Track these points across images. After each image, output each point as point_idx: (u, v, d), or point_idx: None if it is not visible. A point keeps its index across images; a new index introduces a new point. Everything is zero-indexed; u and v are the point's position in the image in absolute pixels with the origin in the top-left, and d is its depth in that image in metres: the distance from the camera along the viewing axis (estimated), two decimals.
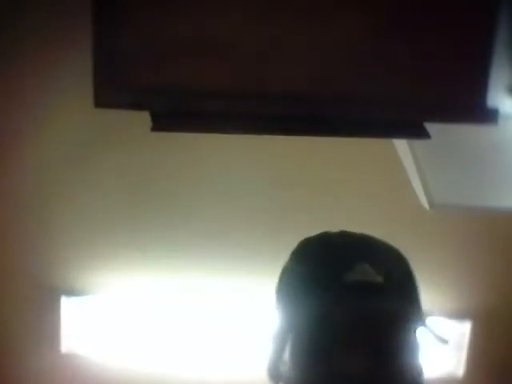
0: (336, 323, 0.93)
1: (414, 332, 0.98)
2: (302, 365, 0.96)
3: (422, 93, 1.06)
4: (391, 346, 0.94)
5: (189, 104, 1.04)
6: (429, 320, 1.00)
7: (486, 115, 1.07)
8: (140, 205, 2.08)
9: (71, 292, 2.13)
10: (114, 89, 1.01)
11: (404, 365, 0.95)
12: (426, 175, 1.33)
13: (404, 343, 0.96)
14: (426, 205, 1.37)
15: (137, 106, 1.04)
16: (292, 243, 2.06)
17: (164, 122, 1.04)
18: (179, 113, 1.04)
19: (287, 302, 1.00)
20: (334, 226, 2.11)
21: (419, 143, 1.27)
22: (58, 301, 2.12)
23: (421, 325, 0.99)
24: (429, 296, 2.24)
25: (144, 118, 1.05)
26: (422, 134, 1.10)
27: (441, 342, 1.01)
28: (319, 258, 1.01)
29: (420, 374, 0.99)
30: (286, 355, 0.99)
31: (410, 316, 0.97)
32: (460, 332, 2.16)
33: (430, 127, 1.10)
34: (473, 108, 1.06)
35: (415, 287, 1.03)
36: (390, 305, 0.95)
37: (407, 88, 1.06)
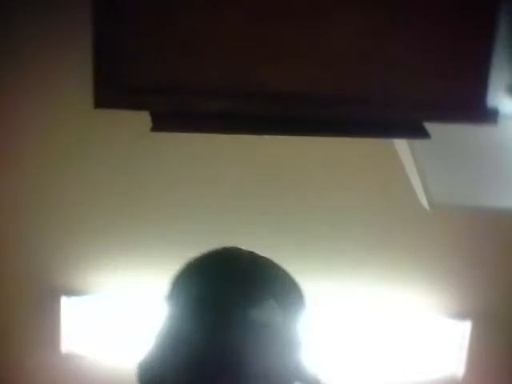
0: (227, 352, 0.97)
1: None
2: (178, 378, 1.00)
3: (421, 93, 1.06)
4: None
5: (189, 104, 1.04)
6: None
7: (486, 115, 1.06)
8: (140, 205, 2.08)
9: (71, 292, 2.13)
10: (113, 89, 1.01)
11: None
12: (426, 175, 1.33)
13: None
14: (425, 205, 1.37)
15: (137, 106, 1.04)
16: (292, 244, 2.07)
17: (164, 121, 1.04)
18: (179, 113, 1.04)
19: (188, 312, 1.03)
20: (335, 226, 2.12)
21: (419, 143, 1.27)
22: (58, 301, 2.13)
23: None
24: (429, 296, 2.25)
25: (144, 118, 1.05)
26: (422, 134, 1.10)
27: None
28: (232, 284, 1.03)
29: None
30: (165, 358, 1.02)
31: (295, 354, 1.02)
32: (460, 332, 2.16)
33: (430, 127, 1.10)
34: (473, 108, 1.06)
35: (298, 324, 1.06)
36: (283, 339, 1.01)
37: (407, 88, 1.06)
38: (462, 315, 2.16)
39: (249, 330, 0.98)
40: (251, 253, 1.10)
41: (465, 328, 2.15)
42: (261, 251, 2.09)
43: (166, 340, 1.03)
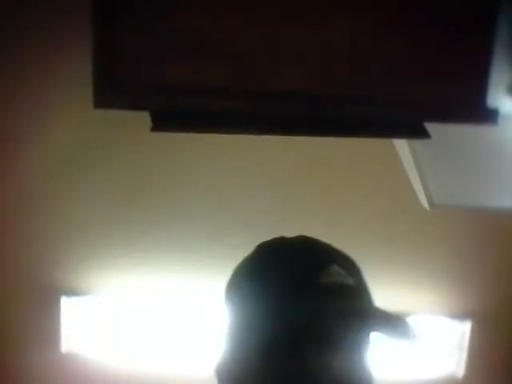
0: (310, 323, 0.93)
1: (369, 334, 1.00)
2: (261, 364, 0.95)
3: (421, 93, 1.06)
4: (359, 345, 0.97)
5: (189, 104, 1.04)
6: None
7: (486, 115, 1.07)
8: (140, 205, 2.08)
9: (71, 292, 2.13)
10: (113, 89, 1.01)
11: (364, 365, 1.00)
12: (425, 175, 1.33)
13: (367, 344, 1.00)
14: (425, 205, 1.37)
15: (137, 106, 1.03)
16: None
17: (164, 122, 1.04)
18: (179, 113, 1.04)
19: (254, 303, 0.98)
20: (335, 226, 2.12)
21: (419, 143, 1.27)
22: (58, 301, 2.13)
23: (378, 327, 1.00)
24: (429, 296, 2.25)
25: (144, 118, 1.05)
26: (422, 133, 1.10)
27: (410, 340, 1.01)
28: (290, 262, 1.00)
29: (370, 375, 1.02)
30: (240, 355, 0.98)
31: (375, 317, 0.99)
32: (460, 332, 2.16)
33: (430, 127, 1.10)
34: (473, 108, 1.06)
35: (370, 290, 1.05)
36: (362, 306, 0.98)
37: (407, 88, 1.06)
38: (462, 315, 2.16)
39: (324, 296, 0.94)
40: (300, 236, 1.09)
41: (465, 328, 2.15)
42: None
43: (235, 339, 0.99)
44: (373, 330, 0.99)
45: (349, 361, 0.95)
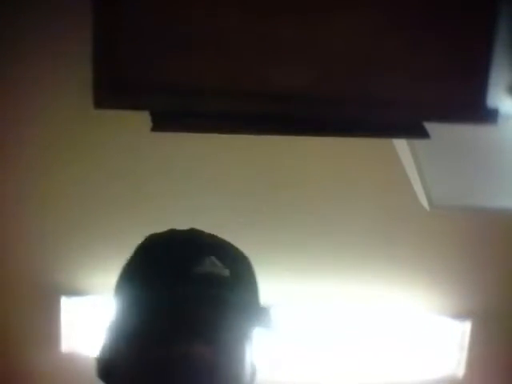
0: (176, 311, 0.94)
1: (250, 328, 0.99)
2: (134, 351, 0.98)
3: (421, 93, 1.06)
4: (232, 337, 0.96)
5: (189, 104, 1.04)
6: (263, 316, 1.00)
7: (486, 115, 1.06)
8: (140, 205, 2.08)
9: (71, 292, 2.13)
10: (113, 89, 1.01)
11: (238, 358, 0.97)
12: (425, 175, 1.33)
13: (244, 337, 0.98)
14: (425, 205, 1.37)
15: (137, 106, 1.03)
16: (292, 243, 2.06)
17: (164, 121, 1.04)
18: (179, 113, 1.04)
19: (132, 295, 1.02)
20: (335, 226, 2.12)
21: (419, 143, 1.27)
22: (58, 301, 2.13)
23: (258, 322, 0.99)
24: (429, 296, 2.25)
25: (144, 118, 1.05)
26: (422, 134, 1.10)
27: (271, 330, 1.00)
28: (168, 253, 1.03)
29: (252, 370, 1.01)
30: (112, 345, 1.03)
31: (253, 311, 0.98)
32: (460, 332, 2.16)
33: (430, 127, 1.10)
34: (473, 108, 1.06)
35: (256, 285, 1.05)
36: (236, 297, 0.97)
37: (407, 88, 1.06)
38: (462, 315, 2.16)
39: (194, 285, 0.95)
40: (190, 229, 1.12)
41: (465, 328, 2.15)
42: (261, 252, 2.09)
43: (116, 331, 1.04)
44: (246, 323, 0.97)
45: (218, 352, 0.94)
